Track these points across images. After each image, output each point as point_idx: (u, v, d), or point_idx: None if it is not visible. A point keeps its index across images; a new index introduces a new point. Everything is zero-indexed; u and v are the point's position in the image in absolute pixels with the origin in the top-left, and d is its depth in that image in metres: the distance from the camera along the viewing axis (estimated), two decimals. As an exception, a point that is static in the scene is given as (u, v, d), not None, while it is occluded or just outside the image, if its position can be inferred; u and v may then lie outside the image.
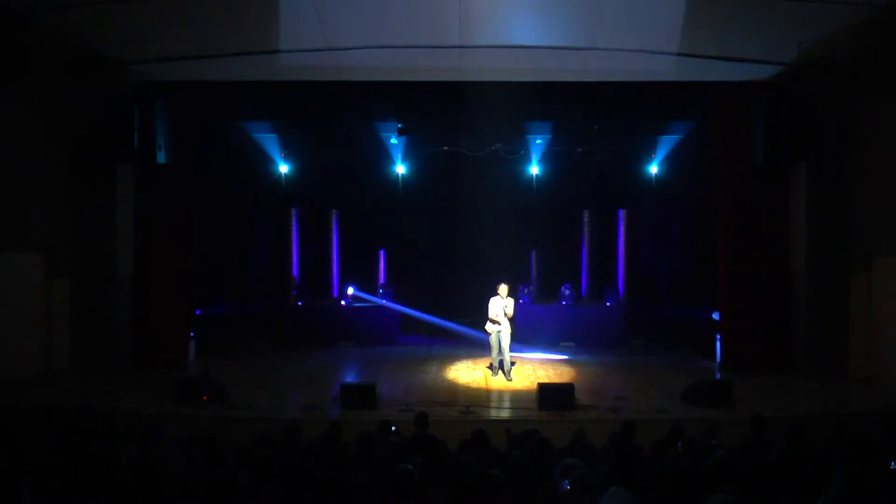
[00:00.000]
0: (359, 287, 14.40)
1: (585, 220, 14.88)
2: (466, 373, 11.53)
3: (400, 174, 14.35)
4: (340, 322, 13.87)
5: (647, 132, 13.94)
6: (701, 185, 13.40)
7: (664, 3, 9.17)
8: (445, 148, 13.97)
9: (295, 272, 14.90)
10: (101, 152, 10.82)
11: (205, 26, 9.79)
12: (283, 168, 14.51)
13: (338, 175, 14.66)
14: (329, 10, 9.24)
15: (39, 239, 10.99)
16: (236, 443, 6.23)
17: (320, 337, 13.74)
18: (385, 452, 5.99)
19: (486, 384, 10.78)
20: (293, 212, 14.94)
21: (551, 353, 12.83)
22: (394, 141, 13.83)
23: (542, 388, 9.39)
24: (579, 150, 13.94)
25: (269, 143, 14.25)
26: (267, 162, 14.45)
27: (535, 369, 11.65)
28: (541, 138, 13.90)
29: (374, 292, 14.66)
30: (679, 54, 10.07)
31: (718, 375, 11.31)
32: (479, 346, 12.68)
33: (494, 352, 11.12)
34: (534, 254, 14.85)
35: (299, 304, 14.05)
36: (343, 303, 13.84)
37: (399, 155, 14.18)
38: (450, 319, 13.50)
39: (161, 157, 10.84)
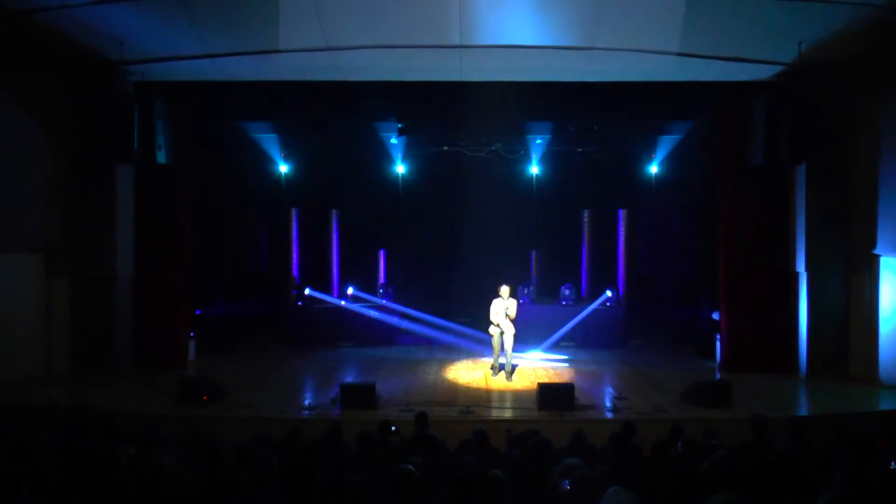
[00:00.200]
0: (358, 287, 14.41)
1: (585, 220, 14.87)
2: (466, 373, 11.53)
3: (400, 174, 14.35)
4: (340, 322, 13.86)
5: (647, 132, 13.95)
6: (701, 186, 13.41)
7: (664, 3, 9.17)
8: (445, 148, 13.97)
9: (295, 272, 14.90)
10: (101, 152, 10.81)
11: (205, 26, 9.79)
12: (283, 168, 14.51)
13: (338, 175, 14.67)
14: (329, 10, 9.24)
15: (39, 239, 10.98)
16: (236, 443, 6.22)
17: (320, 337, 13.73)
18: (385, 452, 5.98)
19: (486, 384, 10.78)
20: (293, 212, 14.93)
21: (551, 353, 12.82)
22: (394, 141, 13.83)
23: (542, 388, 9.39)
24: (579, 150, 13.94)
25: (269, 143, 14.25)
26: (267, 162, 14.46)
27: (535, 369, 11.65)
28: (541, 138, 13.90)
29: (374, 292, 14.66)
30: (679, 54, 10.06)
31: (718, 375, 11.31)
32: (478, 346, 12.69)
33: (496, 352, 11.12)
34: (534, 254, 14.84)
35: (299, 303, 14.04)
36: (343, 302, 13.83)
37: (399, 155, 14.17)
38: (450, 319, 13.48)
39: (161, 157, 10.84)
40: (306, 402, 9.49)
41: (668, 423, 7.30)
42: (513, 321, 10.94)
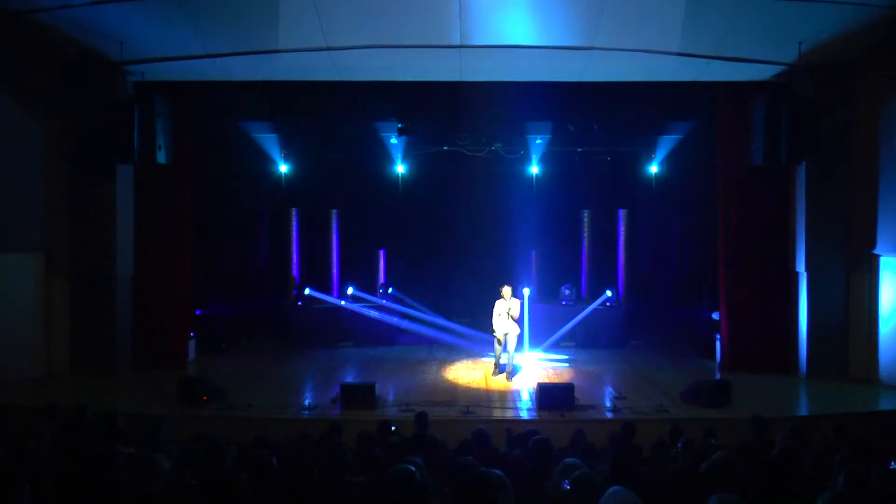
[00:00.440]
0: (358, 287, 14.41)
1: (585, 220, 14.88)
2: (466, 373, 11.53)
3: (400, 174, 14.36)
4: (340, 322, 13.86)
5: (647, 132, 13.95)
6: (701, 185, 13.41)
7: (664, 3, 9.17)
8: (445, 148, 13.98)
9: (295, 272, 14.90)
10: (101, 152, 10.80)
11: (205, 26, 9.79)
12: (283, 168, 14.52)
13: (338, 175, 14.67)
14: (329, 9, 9.24)
15: (39, 239, 10.98)
16: (236, 443, 6.23)
17: (320, 337, 13.73)
18: (385, 452, 5.99)
19: (486, 384, 10.78)
20: (293, 212, 14.93)
21: (551, 352, 12.82)
22: (394, 141, 13.83)
23: (542, 388, 9.40)
24: (579, 150, 13.95)
25: (269, 143, 14.25)
26: (267, 162, 14.47)
27: (535, 369, 11.65)
28: (541, 138, 13.90)
29: (374, 292, 14.66)
30: (679, 54, 10.06)
31: (718, 375, 11.31)
32: (478, 346, 12.70)
33: (498, 353, 11.09)
34: (534, 254, 14.85)
35: (299, 303, 14.04)
36: (343, 302, 13.83)
37: (399, 155, 14.18)
38: (450, 319, 13.48)
39: (161, 157, 10.84)
40: (306, 402, 9.49)
41: (668, 423, 7.30)
42: (516, 320, 10.93)
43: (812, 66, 10.52)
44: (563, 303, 13.76)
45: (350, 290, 14.01)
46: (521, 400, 9.92)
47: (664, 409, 9.23)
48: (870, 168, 10.80)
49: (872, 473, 3.96)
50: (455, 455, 5.69)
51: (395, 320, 13.70)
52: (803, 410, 10.00)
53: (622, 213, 14.77)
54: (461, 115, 12.65)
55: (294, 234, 14.94)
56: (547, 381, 10.46)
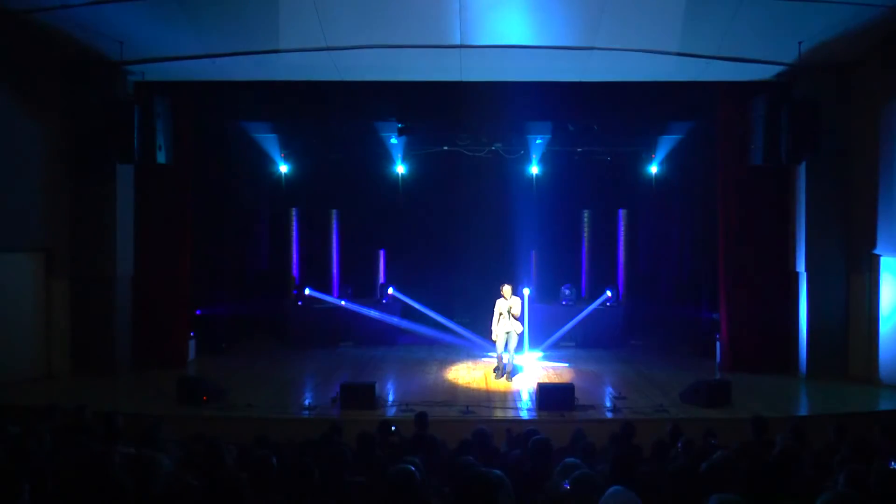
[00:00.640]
0: (358, 287, 14.41)
1: (585, 220, 14.88)
2: (466, 373, 11.53)
3: (400, 174, 14.36)
4: (340, 322, 13.86)
5: (647, 132, 13.95)
6: (701, 186, 13.41)
7: (664, 2, 9.17)
8: (445, 148, 13.98)
9: (295, 272, 14.90)
10: (101, 152, 10.80)
11: (205, 26, 9.79)
12: (283, 168, 14.52)
13: (338, 175, 14.67)
14: (329, 10, 9.24)
15: (39, 239, 10.98)
16: (236, 443, 6.23)
17: (320, 337, 13.73)
18: (385, 452, 5.99)
19: (486, 384, 10.77)
20: (293, 212, 14.94)
21: (551, 352, 12.82)
22: (394, 141, 13.84)
23: (542, 388, 9.39)
24: (579, 150, 13.95)
25: (269, 143, 14.25)
26: (267, 162, 14.47)
27: (535, 369, 11.65)
28: (541, 138, 13.90)
29: (374, 292, 14.66)
30: (679, 54, 10.07)
31: (718, 375, 11.30)
32: (478, 346, 12.70)
33: (499, 352, 11.04)
34: (534, 254, 14.85)
35: (299, 303, 14.04)
36: (343, 302, 13.81)
37: (399, 155, 14.18)
38: (450, 319, 13.47)
39: (161, 157, 10.83)
40: (306, 402, 9.49)
41: (668, 423, 7.30)
42: (517, 319, 10.90)
43: (812, 66, 10.53)
44: (563, 303, 13.76)
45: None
46: (521, 400, 9.92)
47: (664, 409, 9.23)
48: (870, 168, 10.80)
49: (872, 473, 3.96)
50: (455, 455, 5.69)
51: (395, 320, 13.70)
52: (803, 410, 10.00)
53: (622, 213, 14.77)
54: (461, 115, 12.65)
55: (294, 234, 14.95)
56: (547, 381, 10.46)
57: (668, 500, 4.28)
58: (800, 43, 9.97)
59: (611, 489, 3.50)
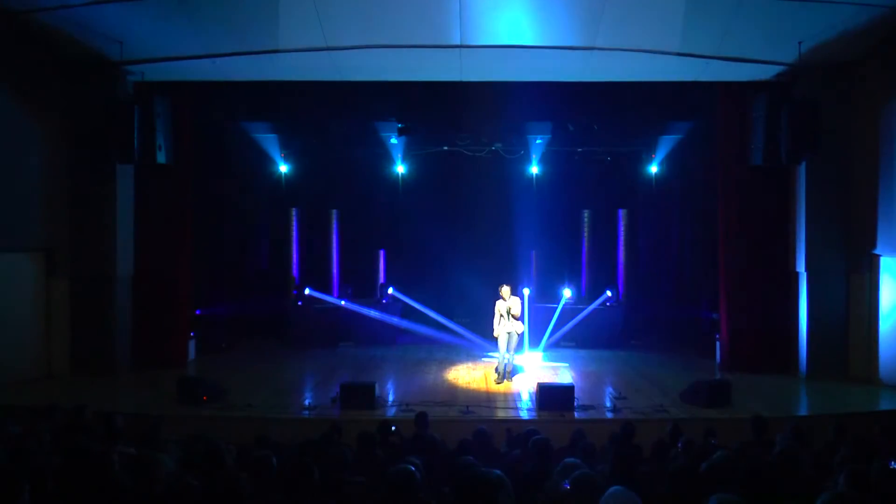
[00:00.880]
0: (357, 288, 14.41)
1: (585, 220, 14.88)
2: (466, 373, 11.52)
3: (400, 174, 14.37)
4: (340, 322, 13.86)
5: (647, 132, 13.95)
6: (701, 185, 13.42)
7: (664, 2, 9.18)
8: (445, 148, 13.99)
9: (295, 272, 14.90)
10: (101, 152, 10.81)
11: (205, 26, 9.79)
12: (283, 168, 14.52)
13: (338, 175, 14.68)
14: (329, 10, 9.24)
15: (39, 239, 10.98)
16: (236, 443, 6.23)
17: (320, 337, 13.73)
18: (385, 452, 5.99)
19: (486, 384, 10.77)
20: (293, 212, 14.94)
21: (551, 352, 12.81)
22: (394, 141, 13.84)
23: (542, 388, 9.39)
24: (579, 150, 13.95)
25: (269, 143, 14.26)
26: (267, 162, 14.47)
27: (534, 369, 11.64)
28: (541, 138, 13.90)
29: (374, 292, 14.66)
30: (679, 54, 10.06)
31: (718, 375, 11.30)
32: (478, 347, 12.70)
33: (501, 352, 10.88)
34: (534, 254, 14.85)
35: (299, 303, 14.04)
36: (343, 302, 13.82)
37: (399, 155, 14.18)
38: (450, 319, 13.47)
39: (161, 157, 10.84)
40: (306, 402, 9.49)
41: (668, 423, 7.29)
42: (518, 319, 10.86)
43: (812, 66, 10.52)
44: (563, 303, 13.74)
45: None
46: (521, 400, 9.91)
47: (664, 409, 9.23)
48: (870, 168, 10.79)
49: (872, 473, 3.96)
50: (455, 455, 5.69)
51: (395, 320, 13.70)
52: (803, 410, 9.99)
53: (622, 213, 14.77)
54: (461, 115, 12.66)
55: (294, 234, 14.95)
56: (547, 381, 10.45)
57: (668, 500, 4.28)
58: (800, 43, 9.97)
59: (611, 489, 3.51)
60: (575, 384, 9.67)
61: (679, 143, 13.80)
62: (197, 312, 12.96)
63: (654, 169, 14.43)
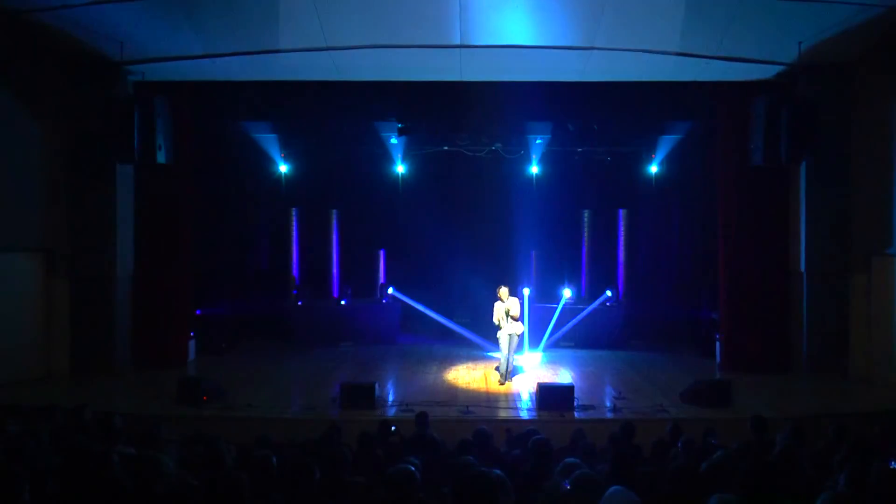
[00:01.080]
0: (354, 288, 14.41)
1: (585, 220, 14.88)
2: (466, 373, 11.52)
3: (400, 174, 14.37)
4: (340, 322, 13.85)
5: (647, 132, 13.95)
6: (701, 185, 13.42)
7: (664, 2, 9.18)
8: (445, 148, 13.98)
9: (295, 272, 14.90)
10: (101, 152, 10.80)
11: (205, 26, 9.79)
12: (283, 168, 14.52)
13: (338, 175, 14.68)
14: (329, 10, 9.24)
15: (39, 239, 10.98)
16: (236, 443, 6.23)
17: (320, 337, 13.73)
18: (385, 452, 5.99)
19: (486, 384, 10.77)
20: (293, 212, 14.94)
21: (551, 353, 12.80)
22: (394, 141, 13.84)
23: (542, 388, 9.39)
24: (579, 150, 13.95)
25: (269, 143, 14.26)
26: (267, 162, 14.47)
27: (535, 369, 11.64)
28: (541, 138, 13.90)
29: (374, 292, 14.67)
30: (679, 54, 10.07)
31: (718, 375, 11.30)
32: (478, 347, 12.70)
33: (503, 354, 10.79)
34: (534, 254, 14.85)
35: (299, 303, 14.04)
36: (343, 302, 13.80)
37: (399, 155, 14.18)
38: (450, 319, 13.47)
39: (161, 157, 10.83)
40: (306, 402, 9.48)
41: (668, 423, 7.30)
42: (517, 320, 10.82)
43: (812, 66, 10.53)
44: (563, 303, 13.74)
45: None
46: (521, 400, 9.91)
47: (664, 409, 9.23)
48: (869, 168, 10.78)
49: (872, 473, 3.96)
50: (455, 455, 5.69)
51: (394, 320, 13.69)
52: (803, 410, 9.98)
53: (622, 213, 14.77)
54: (461, 115, 12.65)
55: (294, 234, 14.95)
56: (547, 381, 10.45)
57: (668, 500, 4.28)
58: (800, 43, 9.96)
59: (611, 489, 3.51)
60: (575, 384, 9.67)
61: (679, 143, 13.80)
62: (197, 312, 12.96)
63: (654, 169, 14.42)
